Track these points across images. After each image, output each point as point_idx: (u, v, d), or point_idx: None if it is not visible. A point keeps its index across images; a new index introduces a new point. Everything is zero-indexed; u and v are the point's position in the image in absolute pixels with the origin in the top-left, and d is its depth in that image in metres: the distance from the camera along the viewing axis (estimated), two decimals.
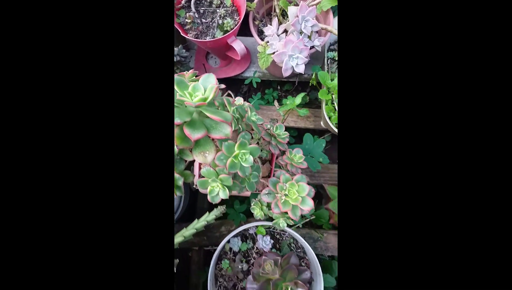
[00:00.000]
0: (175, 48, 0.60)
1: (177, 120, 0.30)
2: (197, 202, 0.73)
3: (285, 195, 0.44)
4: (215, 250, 0.56)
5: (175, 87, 0.33)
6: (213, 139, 0.35)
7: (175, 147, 0.32)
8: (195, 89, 0.33)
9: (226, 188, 0.35)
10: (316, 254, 0.65)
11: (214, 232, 0.70)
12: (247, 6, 0.61)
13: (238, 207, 0.73)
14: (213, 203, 0.38)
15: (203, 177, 0.36)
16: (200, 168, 0.42)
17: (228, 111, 0.35)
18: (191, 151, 0.35)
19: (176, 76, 0.34)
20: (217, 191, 0.36)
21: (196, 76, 0.40)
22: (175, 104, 0.32)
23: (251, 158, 0.34)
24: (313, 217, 0.73)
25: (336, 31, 0.62)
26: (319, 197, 0.77)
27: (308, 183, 0.46)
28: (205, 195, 0.77)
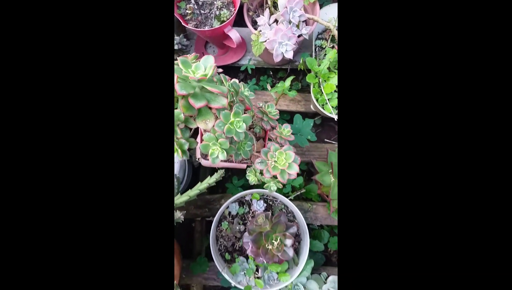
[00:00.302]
0: (176, 37, 0.67)
1: (182, 92, 0.37)
2: (199, 176, 0.80)
3: (275, 161, 0.52)
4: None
5: (180, 66, 0.40)
6: (212, 109, 0.42)
7: (181, 114, 0.39)
8: (197, 67, 0.40)
9: (224, 151, 0.43)
10: (307, 224, 0.73)
11: (215, 205, 0.78)
12: None
13: (236, 182, 0.80)
14: (214, 164, 0.45)
15: (205, 142, 0.44)
16: (201, 136, 0.49)
17: (224, 86, 0.42)
18: (194, 120, 0.42)
19: (180, 58, 0.41)
20: (217, 153, 0.43)
21: (196, 57, 0.47)
22: (180, 79, 0.39)
23: (244, 125, 0.41)
24: (304, 190, 0.81)
25: (321, 21, 0.68)
26: (310, 174, 0.85)
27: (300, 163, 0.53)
28: (206, 170, 0.84)
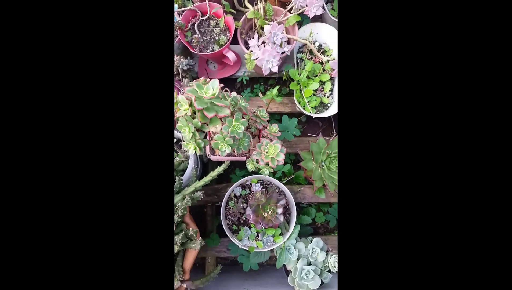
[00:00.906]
0: (185, 60, 0.84)
1: (199, 107, 0.55)
2: (208, 169, 0.98)
3: (266, 152, 0.69)
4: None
5: (196, 88, 0.57)
6: (219, 117, 0.59)
7: (199, 122, 0.57)
8: (207, 89, 0.57)
9: (229, 146, 0.60)
10: (297, 203, 0.91)
11: (222, 192, 0.95)
12: (235, 25, 0.84)
13: (238, 173, 0.98)
14: (221, 157, 0.63)
15: (215, 140, 0.61)
16: (210, 137, 0.66)
17: (227, 100, 0.59)
18: (207, 126, 0.59)
19: (195, 82, 0.58)
20: (224, 148, 0.61)
21: (206, 80, 0.65)
22: (196, 98, 0.56)
23: (242, 127, 0.59)
24: (293, 176, 0.99)
25: (299, 39, 0.85)
26: (298, 163, 1.02)
27: (288, 152, 0.70)
28: (213, 164, 1.01)
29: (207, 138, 0.74)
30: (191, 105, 0.55)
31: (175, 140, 0.85)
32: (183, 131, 0.56)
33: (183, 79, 0.85)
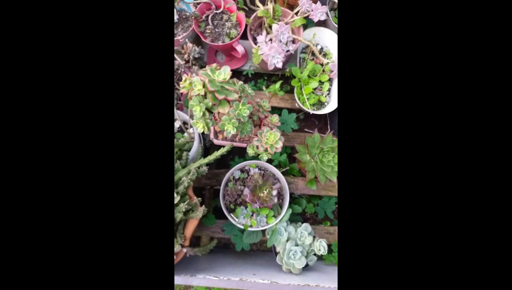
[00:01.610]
0: (197, 48, 0.90)
1: (212, 89, 0.60)
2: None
3: (266, 138, 0.75)
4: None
5: (209, 72, 0.63)
6: (228, 101, 0.65)
7: (210, 103, 0.62)
8: (219, 74, 0.63)
9: (235, 128, 0.66)
10: (290, 193, 0.97)
11: (221, 177, 1.01)
12: (246, 21, 0.91)
13: (237, 160, 1.04)
14: (226, 139, 0.68)
15: (222, 122, 0.67)
16: (216, 119, 0.72)
17: (236, 86, 0.65)
18: (217, 107, 0.65)
19: (208, 66, 0.64)
20: (230, 130, 0.66)
21: (217, 67, 0.71)
22: (210, 81, 0.62)
23: (247, 111, 0.65)
24: (288, 168, 1.05)
25: (303, 40, 0.92)
26: (293, 154, 1.09)
27: (285, 145, 0.77)
28: (215, 149, 1.06)
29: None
30: (204, 86, 0.60)
31: (181, 122, 0.90)
32: (195, 109, 0.62)
33: (193, 66, 0.91)
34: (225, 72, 0.63)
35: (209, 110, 0.66)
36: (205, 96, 0.64)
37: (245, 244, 0.86)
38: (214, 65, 0.68)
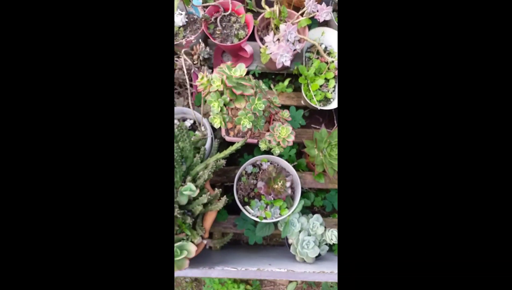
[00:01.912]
0: (207, 49, 0.93)
1: (229, 84, 0.63)
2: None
3: (279, 133, 0.78)
4: (232, 185, 0.88)
5: (225, 69, 0.66)
6: (244, 96, 0.68)
7: (227, 98, 0.65)
8: (236, 70, 0.66)
9: (250, 122, 0.69)
10: None
11: (231, 173, 1.03)
12: (254, 22, 0.95)
13: (246, 157, 1.06)
14: (240, 135, 0.71)
15: (238, 116, 0.70)
16: (232, 114, 0.75)
17: (251, 81, 0.69)
18: (233, 102, 0.68)
19: (224, 64, 0.67)
20: (245, 124, 0.69)
21: (232, 64, 0.74)
22: (228, 77, 0.65)
23: (263, 105, 0.68)
24: (296, 163, 1.08)
25: (309, 40, 0.96)
26: (301, 152, 1.12)
27: (294, 141, 0.80)
28: (226, 146, 1.09)
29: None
30: (222, 82, 0.64)
31: (192, 121, 0.93)
32: (213, 105, 0.65)
33: (202, 67, 0.94)
34: (241, 69, 0.67)
35: (225, 105, 0.69)
36: (221, 93, 0.67)
37: (258, 238, 0.88)
38: (229, 63, 0.71)
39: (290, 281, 1.10)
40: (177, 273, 0.62)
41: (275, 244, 1.06)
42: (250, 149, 1.13)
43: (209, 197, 0.62)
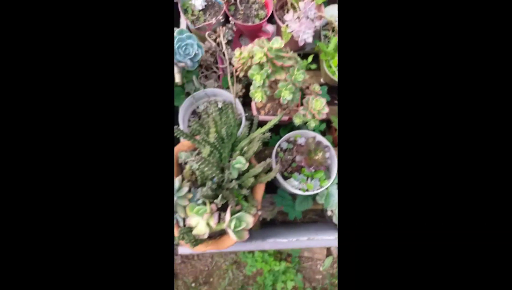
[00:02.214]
0: (229, 31, 0.93)
1: (271, 56, 0.64)
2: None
3: (313, 105, 0.80)
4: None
5: (264, 42, 0.66)
6: (283, 68, 0.69)
7: (269, 70, 0.66)
8: (274, 42, 0.67)
9: (291, 93, 0.70)
10: None
11: (261, 154, 1.04)
12: (273, 2, 0.95)
13: (274, 137, 1.07)
14: (270, 112, 0.72)
15: (279, 88, 0.71)
16: (272, 87, 0.75)
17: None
18: (274, 74, 0.68)
19: (256, 40, 0.68)
20: (286, 96, 0.70)
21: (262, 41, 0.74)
22: (269, 49, 0.66)
23: (302, 76, 0.69)
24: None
25: (327, 16, 0.98)
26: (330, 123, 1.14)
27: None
28: (257, 125, 1.09)
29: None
30: (264, 54, 0.64)
31: (221, 103, 0.93)
32: (255, 78, 0.66)
33: (225, 51, 0.94)
34: (278, 41, 0.67)
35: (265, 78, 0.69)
36: (261, 66, 0.67)
37: (298, 212, 0.90)
38: (263, 38, 0.72)
39: (327, 256, 1.12)
40: (228, 249, 0.63)
41: (309, 221, 1.08)
42: (276, 130, 1.14)
43: (267, 166, 0.63)
